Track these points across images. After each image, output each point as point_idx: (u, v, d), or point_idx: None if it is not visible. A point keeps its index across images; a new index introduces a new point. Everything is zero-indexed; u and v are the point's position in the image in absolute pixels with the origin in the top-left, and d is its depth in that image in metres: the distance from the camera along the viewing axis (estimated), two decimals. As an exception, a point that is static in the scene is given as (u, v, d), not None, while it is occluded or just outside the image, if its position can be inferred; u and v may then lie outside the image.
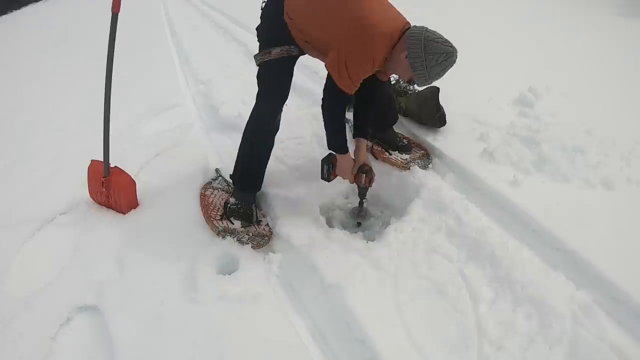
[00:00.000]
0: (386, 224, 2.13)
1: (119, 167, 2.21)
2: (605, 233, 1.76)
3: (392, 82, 2.69)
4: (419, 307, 1.64)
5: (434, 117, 2.49)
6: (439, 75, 1.72)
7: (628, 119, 2.57)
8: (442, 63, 1.68)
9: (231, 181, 2.24)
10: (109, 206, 2.24)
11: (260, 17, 1.98)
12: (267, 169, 2.15)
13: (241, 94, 3.37)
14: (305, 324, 1.67)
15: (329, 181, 2.13)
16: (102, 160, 2.14)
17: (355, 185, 2.13)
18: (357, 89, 1.85)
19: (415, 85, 2.15)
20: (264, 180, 2.17)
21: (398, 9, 1.87)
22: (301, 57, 2.02)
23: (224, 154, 2.67)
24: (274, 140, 2.10)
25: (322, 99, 1.93)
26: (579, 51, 3.83)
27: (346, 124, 2.05)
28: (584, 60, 3.62)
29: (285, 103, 2.05)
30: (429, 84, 1.76)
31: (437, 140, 2.47)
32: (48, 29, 10.13)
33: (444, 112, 2.49)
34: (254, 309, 1.67)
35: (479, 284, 1.68)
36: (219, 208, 2.16)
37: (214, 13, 7.75)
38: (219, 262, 1.88)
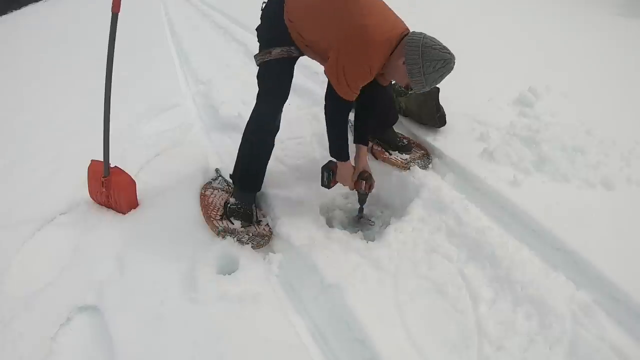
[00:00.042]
0: (386, 224, 2.13)
1: (119, 167, 2.21)
2: (605, 233, 1.76)
3: (392, 82, 2.69)
4: (419, 307, 1.64)
5: (434, 117, 2.49)
6: (436, 81, 1.72)
7: (628, 119, 2.57)
8: (440, 70, 1.68)
9: (231, 181, 2.24)
10: (109, 206, 2.24)
11: (261, 18, 1.98)
12: (267, 169, 2.15)
13: (241, 94, 3.37)
14: (305, 324, 1.68)
15: (329, 188, 2.15)
16: (102, 160, 2.14)
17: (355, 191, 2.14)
18: (356, 95, 1.85)
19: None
20: (264, 180, 2.17)
21: (399, 9, 1.86)
22: (301, 57, 2.02)
23: (224, 154, 2.67)
24: (274, 140, 2.10)
25: (324, 105, 1.94)
26: (579, 51, 3.83)
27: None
28: (584, 60, 3.62)
29: (288, 102, 2.05)
30: (426, 90, 1.76)
31: (437, 140, 2.47)
32: (48, 29, 10.13)
33: (444, 112, 2.49)
34: (254, 309, 1.67)
35: (479, 284, 1.68)
36: (219, 208, 2.16)
37: (214, 13, 7.75)
38: (219, 262, 1.88)
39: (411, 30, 1.79)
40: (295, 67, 2.04)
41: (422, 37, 1.70)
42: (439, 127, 2.53)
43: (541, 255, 1.75)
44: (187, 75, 4.56)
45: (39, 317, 1.67)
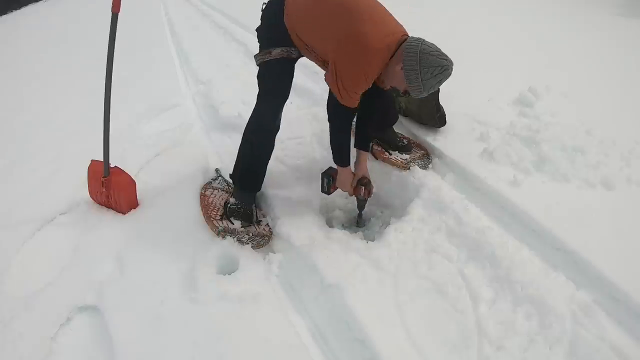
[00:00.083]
0: (386, 224, 2.13)
1: (119, 167, 2.21)
2: (605, 233, 1.76)
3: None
4: (419, 307, 1.64)
5: (434, 117, 2.49)
6: (434, 87, 1.72)
7: (628, 119, 2.57)
8: (437, 76, 1.67)
9: (231, 181, 2.24)
10: (109, 206, 2.24)
11: (261, 19, 1.98)
12: (267, 169, 2.15)
13: (241, 94, 3.37)
14: (305, 324, 1.68)
15: (328, 194, 2.17)
16: (102, 160, 2.14)
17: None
18: (357, 102, 1.85)
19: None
20: (264, 180, 2.17)
21: (400, 10, 1.86)
22: (301, 57, 2.02)
23: (224, 154, 2.67)
24: (274, 140, 2.10)
25: (328, 113, 1.95)
26: (579, 51, 3.83)
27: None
28: (584, 60, 3.62)
29: (290, 101, 2.05)
30: (424, 96, 1.76)
31: (437, 140, 2.47)
32: (48, 29, 10.13)
33: (444, 112, 2.49)
34: (254, 309, 1.67)
35: (479, 284, 1.68)
36: (219, 208, 2.16)
37: (214, 13, 7.75)
38: (219, 262, 1.88)
39: (410, 35, 1.79)
40: (295, 67, 2.04)
41: (420, 43, 1.69)
42: (439, 127, 2.53)
43: (541, 255, 1.75)
44: (187, 75, 4.56)
45: (39, 317, 1.67)
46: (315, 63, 2.00)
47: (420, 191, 2.14)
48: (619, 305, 1.52)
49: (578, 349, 1.41)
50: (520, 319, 1.53)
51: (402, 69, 1.70)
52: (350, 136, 2.00)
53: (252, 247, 1.97)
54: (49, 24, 10.93)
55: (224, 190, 2.32)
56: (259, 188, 2.16)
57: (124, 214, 2.20)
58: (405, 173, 2.30)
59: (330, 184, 2.11)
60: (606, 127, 2.41)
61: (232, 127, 2.97)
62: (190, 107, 3.61)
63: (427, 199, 2.09)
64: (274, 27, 1.90)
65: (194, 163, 2.60)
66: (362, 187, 2.06)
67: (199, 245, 1.96)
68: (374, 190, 2.11)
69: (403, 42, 1.73)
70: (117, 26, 1.91)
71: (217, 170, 2.50)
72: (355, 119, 2.11)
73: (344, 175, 2.05)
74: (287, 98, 2.04)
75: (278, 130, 2.09)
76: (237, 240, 1.97)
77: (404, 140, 2.48)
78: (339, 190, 2.14)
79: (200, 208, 2.17)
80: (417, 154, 2.43)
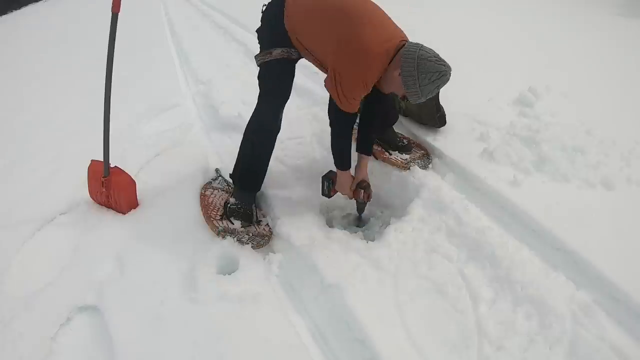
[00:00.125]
0: (386, 224, 2.14)
1: (119, 167, 2.21)
2: (605, 233, 1.76)
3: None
4: (419, 307, 1.64)
5: (434, 117, 2.49)
6: (432, 93, 1.72)
7: (628, 119, 2.57)
8: (435, 82, 1.67)
9: (231, 181, 2.24)
10: (109, 206, 2.24)
11: (261, 20, 1.98)
12: (267, 169, 2.15)
13: (241, 94, 3.38)
14: (305, 324, 1.68)
15: (329, 197, 2.18)
16: (102, 160, 2.14)
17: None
18: (358, 107, 1.86)
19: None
20: (264, 180, 2.17)
21: (400, 10, 1.86)
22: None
23: (224, 154, 2.67)
24: (275, 140, 2.09)
25: (329, 118, 1.95)
26: (579, 51, 3.83)
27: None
28: (584, 60, 3.62)
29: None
30: (422, 101, 1.76)
31: (437, 140, 2.47)
32: (48, 29, 10.13)
33: (444, 112, 2.49)
34: (254, 309, 1.67)
35: (479, 284, 1.68)
36: (219, 208, 2.16)
37: (214, 13, 7.75)
38: (219, 262, 1.88)
39: (409, 40, 1.79)
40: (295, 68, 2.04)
41: (418, 48, 1.68)
42: (439, 127, 2.53)
43: (541, 255, 1.75)
44: (187, 75, 4.56)
45: (39, 317, 1.67)
46: (315, 65, 2.00)
47: (420, 191, 2.14)
48: (619, 305, 1.52)
49: (578, 349, 1.41)
50: (520, 319, 1.53)
51: (400, 74, 1.70)
52: (350, 141, 2.00)
53: (252, 247, 1.97)
54: (49, 24, 10.93)
55: (224, 190, 2.32)
56: (259, 188, 2.16)
57: (124, 214, 2.20)
58: (405, 173, 2.30)
59: (330, 187, 2.12)
60: (606, 127, 2.41)
61: (232, 127, 2.97)
62: (190, 107, 3.61)
63: (427, 199, 2.09)
64: (274, 28, 1.91)
65: (194, 163, 2.60)
66: (361, 190, 2.06)
67: (199, 245, 1.96)
68: (373, 192, 2.11)
69: (402, 47, 1.72)
70: (117, 26, 1.91)
71: (217, 170, 2.50)
72: (357, 124, 2.11)
73: (343, 178, 2.06)
74: (287, 98, 2.04)
75: (279, 131, 2.09)
76: (237, 240, 1.97)
77: (404, 140, 2.48)
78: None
79: (200, 208, 2.17)
80: (417, 154, 2.43)
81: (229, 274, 1.82)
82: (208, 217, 2.08)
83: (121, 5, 1.89)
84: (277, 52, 1.92)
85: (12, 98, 4.74)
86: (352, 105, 1.83)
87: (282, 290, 1.81)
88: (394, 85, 1.78)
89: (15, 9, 16.58)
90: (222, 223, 2.05)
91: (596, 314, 1.49)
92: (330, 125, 1.97)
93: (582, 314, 1.50)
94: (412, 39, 1.86)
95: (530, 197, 1.96)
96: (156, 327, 1.61)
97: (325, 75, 1.87)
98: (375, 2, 1.87)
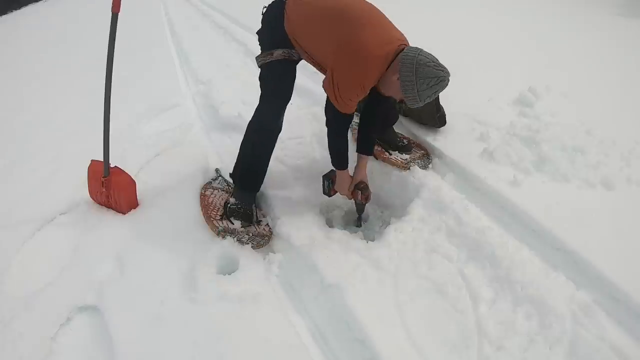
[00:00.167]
0: (386, 224, 2.14)
1: (119, 167, 2.21)
2: (605, 233, 1.76)
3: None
4: (419, 307, 1.64)
5: (434, 117, 2.49)
6: (430, 98, 1.71)
7: (628, 119, 2.57)
8: (433, 87, 1.66)
9: (231, 181, 2.24)
10: (109, 206, 2.24)
11: (261, 22, 1.99)
12: (267, 169, 2.15)
13: (241, 94, 3.38)
14: (305, 324, 1.68)
15: (329, 196, 2.18)
16: (102, 160, 2.14)
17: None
18: (354, 109, 1.86)
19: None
20: (264, 180, 2.17)
21: (399, 11, 1.86)
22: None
23: (224, 154, 2.67)
24: (276, 140, 2.09)
25: (326, 118, 1.95)
26: (579, 51, 3.83)
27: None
28: (584, 60, 3.62)
29: (291, 102, 2.05)
30: (420, 105, 1.75)
31: (437, 140, 2.47)
32: (48, 29, 10.13)
33: (444, 112, 2.49)
34: (254, 309, 1.67)
35: (479, 284, 1.68)
36: (219, 208, 2.16)
37: (214, 13, 7.75)
38: (219, 262, 1.88)
39: (409, 43, 1.79)
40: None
41: (417, 53, 1.67)
42: (439, 127, 2.53)
43: (541, 255, 1.75)
44: (187, 75, 4.56)
45: (39, 317, 1.67)
46: (314, 67, 2.00)
47: (420, 191, 2.14)
48: (619, 305, 1.52)
49: (578, 349, 1.41)
50: (520, 319, 1.53)
51: (398, 79, 1.69)
52: (347, 140, 2.00)
53: (252, 247, 1.97)
54: (49, 24, 10.94)
55: (224, 190, 2.32)
56: (259, 188, 2.16)
57: (124, 214, 2.20)
58: (405, 173, 2.30)
59: (330, 186, 2.12)
60: (606, 127, 2.41)
61: (232, 127, 2.97)
62: (190, 107, 3.61)
63: (427, 199, 2.09)
64: (275, 30, 1.91)
65: (194, 163, 2.60)
66: (359, 191, 2.07)
67: (199, 245, 1.96)
68: (372, 192, 2.11)
69: (401, 51, 1.72)
70: (117, 26, 1.91)
71: (217, 170, 2.50)
72: (358, 121, 2.11)
73: (342, 178, 2.06)
74: (289, 99, 2.04)
75: (280, 131, 2.09)
76: (237, 240, 1.97)
77: (404, 140, 2.48)
78: (339, 190, 2.15)
79: (200, 208, 2.17)
80: (417, 154, 2.43)
81: (229, 274, 1.82)
82: (208, 217, 2.08)
83: (121, 5, 1.89)
84: (278, 53, 1.92)
85: (12, 98, 4.74)
86: (349, 106, 1.83)
87: (282, 290, 1.81)
88: (392, 89, 1.78)
89: (15, 9, 16.60)
90: (222, 223, 2.05)
91: (596, 314, 1.49)
92: (327, 124, 1.97)
93: (582, 314, 1.50)
94: (412, 39, 1.86)
95: (530, 197, 1.96)
96: (156, 327, 1.61)
97: (325, 76, 1.87)
98: (376, 3, 1.87)
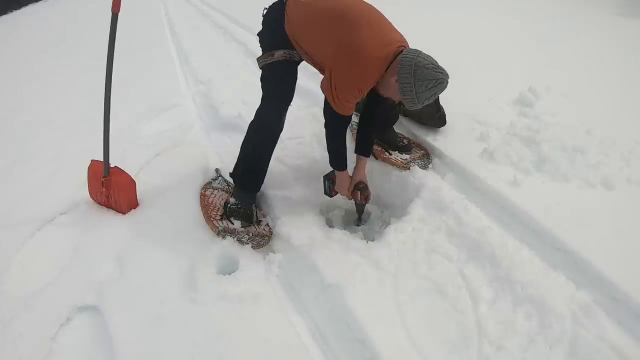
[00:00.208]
0: (386, 224, 2.14)
1: (119, 167, 2.21)
2: (605, 233, 1.76)
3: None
4: (419, 307, 1.64)
5: (434, 117, 2.49)
6: (429, 100, 1.70)
7: (628, 119, 2.57)
8: (432, 89, 1.66)
9: (231, 180, 2.24)
10: (109, 206, 2.24)
11: (262, 23, 1.99)
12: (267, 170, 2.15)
13: (241, 94, 3.38)
14: (305, 324, 1.68)
15: (330, 197, 2.18)
16: (102, 160, 2.14)
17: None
18: (352, 111, 1.87)
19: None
20: (264, 180, 2.17)
21: (398, 11, 1.86)
22: (302, 57, 2.02)
23: (224, 154, 2.67)
24: (277, 141, 2.09)
25: (324, 119, 1.95)
26: (579, 51, 3.83)
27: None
28: (584, 60, 3.62)
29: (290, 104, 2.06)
30: (419, 107, 1.75)
31: (437, 140, 2.47)
32: (48, 29, 10.13)
33: (444, 112, 2.49)
34: (254, 309, 1.67)
35: (479, 284, 1.68)
36: (219, 208, 2.16)
37: (214, 13, 7.75)
38: (219, 262, 1.88)
39: (408, 45, 1.79)
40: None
41: (415, 55, 1.67)
42: (439, 127, 2.53)
43: (541, 255, 1.75)
44: (187, 75, 4.56)
45: (39, 317, 1.67)
46: (315, 68, 2.00)
47: (420, 191, 2.14)
48: (619, 305, 1.52)
49: (578, 349, 1.41)
50: (520, 319, 1.53)
51: (396, 81, 1.69)
52: (345, 141, 2.00)
53: (252, 247, 1.97)
54: (49, 24, 10.94)
55: (224, 190, 2.32)
56: (259, 188, 2.16)
57: (124, 214, 2.20)
58: (405, 173, 2.30)
59: (331, 186, 2.13)
60: (606, 127, 2.41)
61: (232, 127, 2.97)
62: (190, 107, 3.61)
63: (427, 199, 2.09)
64: (275, 31, 1.91)
65: (194, 163, 2.60)
66: (358, 191, 2.07)
67: (199, 245, 1.96)
68: (372, 193, 2.11)
69: (400, 53, 1.72)
70: (117, 26, 1.91)
71: (217, 170, 2.50)
72: (358, 121, 2.11)
73: (341, 178, 2.06)
74: (290, 100, 2.03)
75: (281, 132, 2.08)
76: (237, 240, 1.97)
77: (404, 140, 2.48)
78: (339, 190, 2.15)
79: (200, 208, 2.17)
80: (417, 154, 2.43)
81: (229, 274, 1.82)
82: (208, 217, 2.08)
83: (121, 5, 1.89)
84: (279, 54, 1.92)
85: (12, 98, 4.74)
86: (346, 108, 1.83)
87: (282, 290, 1.81)
88: (391, 91, 1.78)
89: (15, 9, 16.60)
90: (222, 223, 2.05)
91: (596, 314, 1.49)
92: (325, 125, 1.97)
93: (582, 314, 1.50)
94: (412, 39, 1.86)
95: (530, 197, 1.96)
96: (156, 327, 1.61)
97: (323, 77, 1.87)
98: (376, 4, 1.87)
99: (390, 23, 1.83)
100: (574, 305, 1.53)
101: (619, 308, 1.52)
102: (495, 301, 1.61)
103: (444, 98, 2.44)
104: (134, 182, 2.22)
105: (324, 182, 2.14)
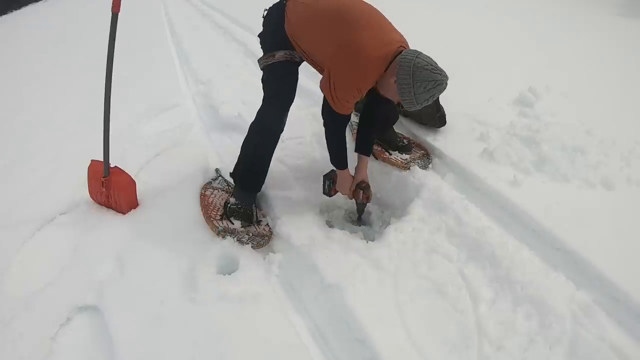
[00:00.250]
0: (386, 224, 2.14)
1: (119, 167, 2.21)
2: (605, 233, 1.76)
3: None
4: (419, 307, 1.64)
5: (434, 117, 2.49)
6: (427, 101, 1.70)
7: (628, 119, 2.57)
8: (431, 90, 1.65)
9: (231, 180, 2.24)
10: (109, 206, 2.24)
11: (263, 25, 1.99)
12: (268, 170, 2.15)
13: (241, 94, 3.38)
14: (305, 324, 1.68)
15: (330, 196, 2.18)
16: (102, 160, 2.14)
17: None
18: (351, 110, 1.87)
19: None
20: (264, 180, 2.17)
21: (397, 11, 1.86)
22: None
23: (224, 154, 2.67)
24: (277, 142, 2.09)
25: (323, 119, 1.96)
26: (579, 51, 3.83)
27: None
28: (584, 60, 3.62)
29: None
30: (418, 109, 1.75)
31: (437, 140, 2.47)
32: (48, 29, 10.12)
33: (444, 112, 2.49)
34: (254, 309, 1.67)
35: (479, 284, 1.68)
36: (219, 208, 2.16)
37: (214, 13, 7.75)
38: (219, 262, 1.88)
39: (408, 45, 1.79)
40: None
41: (414, 56, 1.66)
42: (439, 127, 2.53)
43: (541, 255, 1.75)
44: (187, 75, 4.56)
45: (39, 317, 1.67)
46: (315, 69, 2.00)
47: (420, 191, 2.14)
48: (619, 305, 1.52)
49: (578, 349, 1.41)
50: (520, 319, 1.53)
51: (395, 81, 1.69)
52: (345, 139, 2.00)
53: (252, 247, 1.97)
54: (49, 24, 10.93)
55: (224, 190, 2.32)
56: (260, 189, 2.16)
57: (124, 214, 2.20)
58: (405, 173, 2.30)
59: (331, 186, 2.12)
60: (606, 127, 2.41)
61: (232, 127, 2.97)
62: (190, 107, 3.61)
63: (427, 199, 2.09)
64: (276, 32, 1.91)
65: (194, 163, 2.60)
66: (360, 191, 2.06)
67: (199, 245, 1.96)
68: (373, 192, 2.11)
69: (399, 53, 1.71)
70: (117, 26, 1.91)
71: (217, 170, 2.50)
72: (358, 121, 2.11)
73: (342, 178, 2.06)
74: (291, 100, 2.03)
75: (282, 132, 2.08)
76: (237, 240, 1.97)
77: (404, 140, 2.48)
78: (339, 190, 2.15)
79: (200, 208, 2.17)
80: (417, 154, 2.43)
81: (229, 274, 1.82)
82: (208, 217, 2.08)
83: (121, 5, 1.89)
84: (280, 55, 1.92)
85: (12, 98, 4.74)
86: (345, 107, 1.83)
87: (282, 290, 1.81)
88: (390, 92, 1.78)
89: (15, 9, 16.59)
90: (222, 223, 2.05)
91: (596, 314, 1.49)
92: (325, 125, 1.97)
93: (582, 314, 1.50)
94: (412, 39, 1.86)
95: (530, 197, 1.96)
96: (156, 327, 1.61)
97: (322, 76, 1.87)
98: (376, 4, 1.87)
99: (390, 23, 1.83)
100: (574, 305, 1.53)
101: (619, 308, 1.52)
102: (495, 301, 1.61)
103: (444, 98, 2.43)
104: (134, 182, 2.22)
105: (324, 181, 2.14)
